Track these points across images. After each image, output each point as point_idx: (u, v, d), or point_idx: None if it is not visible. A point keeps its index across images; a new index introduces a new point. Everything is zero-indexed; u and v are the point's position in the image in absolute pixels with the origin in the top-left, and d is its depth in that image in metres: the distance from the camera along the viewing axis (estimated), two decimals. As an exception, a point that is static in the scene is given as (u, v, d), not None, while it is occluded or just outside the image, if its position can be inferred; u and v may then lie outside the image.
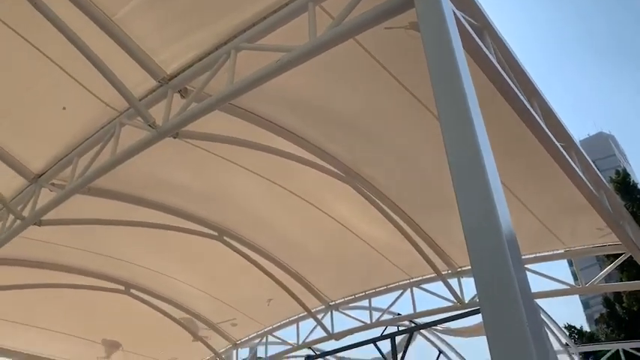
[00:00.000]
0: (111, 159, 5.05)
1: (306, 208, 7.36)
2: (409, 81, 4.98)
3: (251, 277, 8.93)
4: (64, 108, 5.48)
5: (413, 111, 5.35)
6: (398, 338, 9.90)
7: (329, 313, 9.85)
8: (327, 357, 11.49)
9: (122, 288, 9.20)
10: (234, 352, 11.69)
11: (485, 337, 1.99)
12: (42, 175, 6.24)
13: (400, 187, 6.90)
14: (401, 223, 7.31)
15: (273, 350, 11.13)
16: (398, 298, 9.23)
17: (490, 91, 3.91)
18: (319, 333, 10.03)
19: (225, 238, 7.97)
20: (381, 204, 7.00)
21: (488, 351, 1.97)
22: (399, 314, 9.51)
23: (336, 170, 6.44)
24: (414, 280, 8.93)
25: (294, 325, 10.42)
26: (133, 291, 9.33)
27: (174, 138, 4.73)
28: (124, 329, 10.74)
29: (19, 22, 4.66)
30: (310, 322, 10.09)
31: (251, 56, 4.28)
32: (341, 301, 9.72)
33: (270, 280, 8.80)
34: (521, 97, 4.04)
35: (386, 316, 9.48)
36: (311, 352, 11.23)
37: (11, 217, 6.44)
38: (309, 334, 10.22)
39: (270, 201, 7.40)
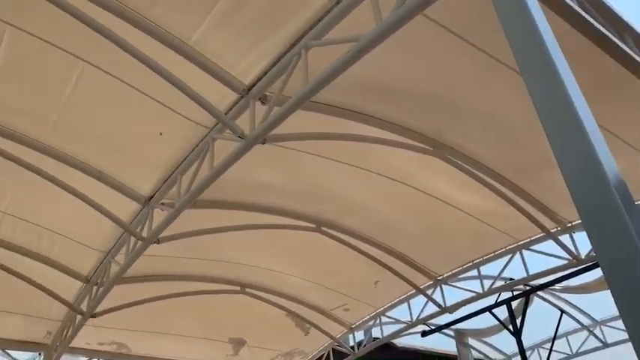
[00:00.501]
0: (210, 173, 5.43)
1: (399, 188, 7.38)
2: (484, 42, 4.82)
3: (354, 263, 9.13)
4: (160, 133, 5.95)
5: (492, 71, 5.17)
6: (514, 303, 9.65)
7: (438, 287, 9.81)
8: (444, 330, 11.49)
9: (238, 288, 9.81)
10: (351, 335, 12.05)
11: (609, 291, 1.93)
12: (152, 197, 6.83)
13: (491, 150, 6.69)
14: (498, 186, 7.09)
15: (389, 330, 11.30)
16: (508, 263, 8.97)
17: (572, 33, 3.69)
18: (432, 308, 10.03)
19: (323, 228, 8.21)
20: (473, 171, 6.84)
21: (614, 305, 1.91)
22: (511, 279, 9.27)
23: (422, 145, 6.39)
24: (522, 242, 8.63)
25: (406, 304, 10.50)
26: (248, 290, 9.91)
27: (263, 144, 4.97)
28: (246, 327, 11.43)
29: (105, 61, 5.12)
30: (421, 299, 10.12)
31: (321, 50, 4.38)
32: (449, 274, 9.63)
33: (374, 262, 8.94)
34: (612, 37, 3.76)
35: (498, 283, 9.27)
36: (426, 328, 11.28)
37: (133, 239, 7.14)
38: (422, 310, 10.26)
39: (362, 186, 7.51)
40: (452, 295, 9.86)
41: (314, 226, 8.10)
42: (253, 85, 5.06)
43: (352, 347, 12.16)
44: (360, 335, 12.41)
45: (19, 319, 9.55)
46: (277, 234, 8.11)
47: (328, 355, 12.68)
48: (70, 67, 5.14)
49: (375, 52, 3.94)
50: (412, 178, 7.31)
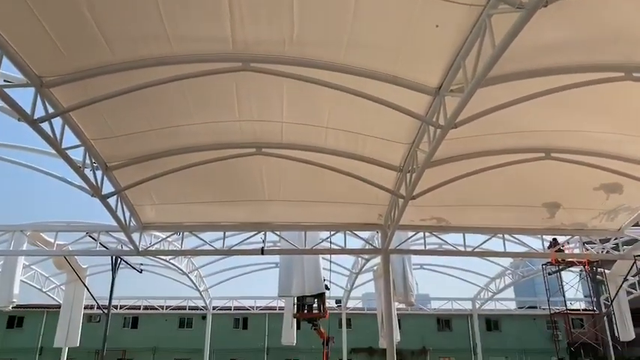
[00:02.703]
0: (494, 52, 5.42)
1: None
2: None
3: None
4: (436, 26, 6.15)
5: None
6: None
7: None
8: None
9: (543, 154, 9.60)
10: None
11: None
12: (440, 87, 7.22)
13: None
14: None
15: None
16: None
17: None
18: None
19: (634, 74, 7.16)
20: None
21: None
22: None
23: None
24: None
25: None
26: (553, 154, 9.60)
27: (546, 6, 4.62)
28: (557, 191, 11.25)
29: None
30: None
31: None
32: None
33: None
34: None
35: None
36: None
37: (432, 128, 7.77)
38: None
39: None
40: None
41: (622, 74, 7.14)
42: (522, -55, 4.69)
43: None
44: None
45: (356, 207, 11.79)
46: (579, 92, 7.46)
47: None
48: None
49: None
50: None
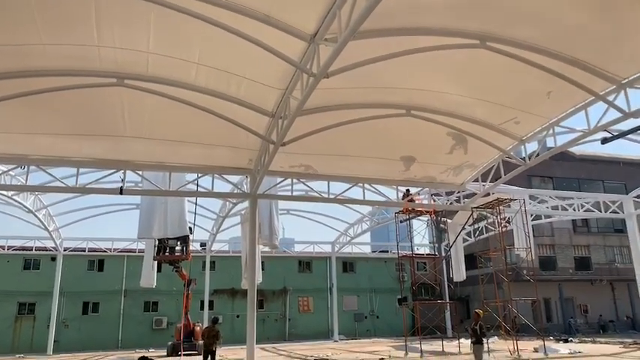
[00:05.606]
0: (367, 3, 5.50)
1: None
2: None
3: (524, 76, 8.76)
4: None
5: None
6: None
7: (622, 92, 8.99)
8: (629, 136, 10.79)
9: (403, 111, 10.24)
10: (522, 147, 12.02)
11: None
12: (316, 34, 7.19)
13: None
14: None
15: (563, 139, 11.00)
16: None
17: None
18: (613, 114, 9.38)
19: (488, 43, 7.84)
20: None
21: None
22: None
23: None
24: None
25: (582, 112, 9.95)
26: (413, 112, 10.28)
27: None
28: (415, 146, 12.15)
29: None
30: (601, 107, 9.47)
31: None
32: (636, 76, 8.68)
33: (547, 73, 8.46)
34: None
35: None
36: (607, 134, 10.68)
37: (305, 76, 7.79)
38: (602, 117, 9.66)
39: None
40: (638, 99, 8.98)
41: (478, 42, 7.78)
42: None
43: (523, 158, 12.22)
44: (533, 147, 12.36)
45: (226, 150, 11.56)
46: (441, 55, 8.00)
47: (498, 167, 12.99)
48: None
49: None
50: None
